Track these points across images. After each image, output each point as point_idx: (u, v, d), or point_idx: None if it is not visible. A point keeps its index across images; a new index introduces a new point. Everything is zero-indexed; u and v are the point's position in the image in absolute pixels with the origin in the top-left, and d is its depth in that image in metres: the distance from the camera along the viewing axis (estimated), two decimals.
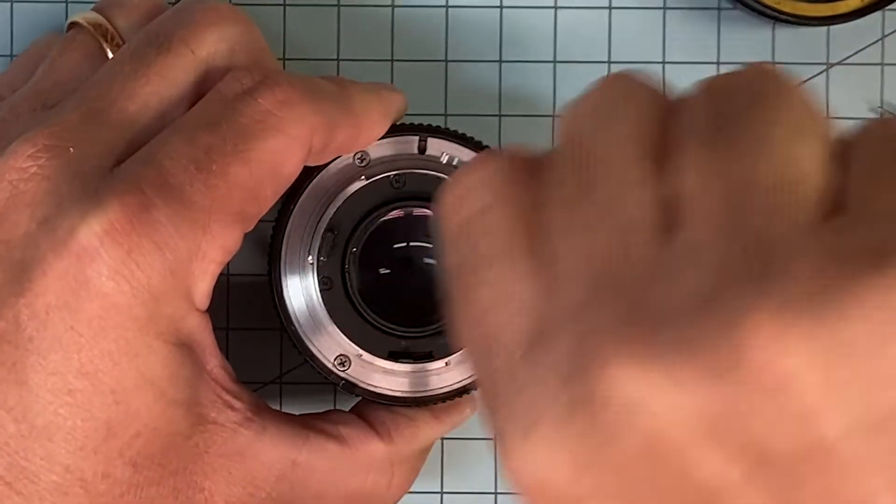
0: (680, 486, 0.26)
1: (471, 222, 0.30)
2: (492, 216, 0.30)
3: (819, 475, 0.26)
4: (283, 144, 0.40)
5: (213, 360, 0.41)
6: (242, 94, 0.40)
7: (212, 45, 0.41)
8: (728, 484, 0.26)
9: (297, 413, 0.44)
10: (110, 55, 0.43)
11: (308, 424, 0.43)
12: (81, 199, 0.38)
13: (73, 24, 0.44)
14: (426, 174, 0.44)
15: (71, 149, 0.39)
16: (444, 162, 0.44)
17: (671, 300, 0.26)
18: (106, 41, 0.43)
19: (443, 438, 0.49)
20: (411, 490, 0.49)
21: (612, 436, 0.26)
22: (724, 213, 0.27)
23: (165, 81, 0.41)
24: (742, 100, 0.29)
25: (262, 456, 0.41)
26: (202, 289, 0.40)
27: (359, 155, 0.44)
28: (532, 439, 0.27)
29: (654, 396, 0.26)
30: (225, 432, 0.41)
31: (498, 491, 0.50)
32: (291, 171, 0.40)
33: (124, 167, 0.39)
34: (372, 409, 0.45)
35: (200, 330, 0.40)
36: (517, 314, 0.29)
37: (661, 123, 0.29)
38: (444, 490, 0.50)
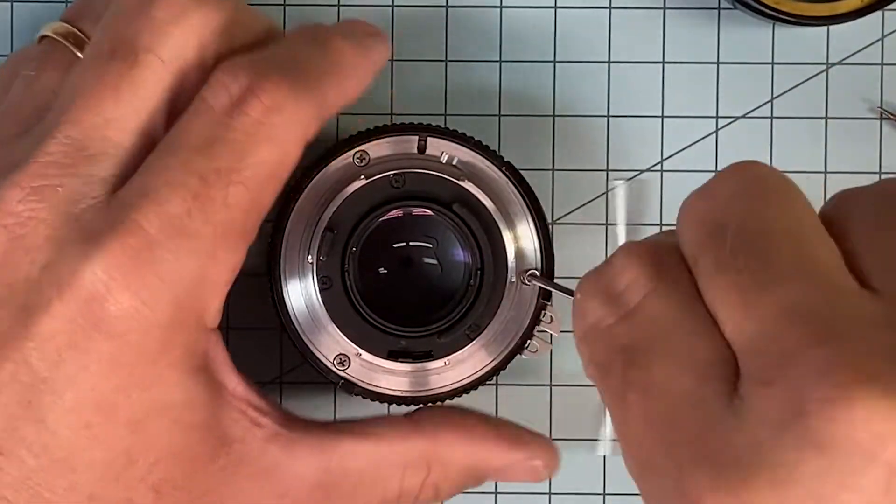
0: None
1: (639, 309, 0.31)
2: (658, 299, 0.30)
3: None
4: (277, 153, 0.39)
5: (233, 378, 0.41)
6: (231, 106, 0.39)
7: (179, 46, 0.40)
8: None
9: (297, 413, 0.44)
10: None
11: (340, 428, 0.42)
12: (81, 241, 0.38)
13: (45, 37, 0.43)
14: (425, 174, 0.44)
15: (59, 188, 0.38)
16: (444, 161, 0.44)
17: (878, 341, 0.27)
18: (79, 49, 0.42)
19: None
20: None
21: (847, 476, 0.26)
22: None
23: (138, 97, 0.39)
24: None
25: (294, 469, 0.41)
26: (213, 309, 0.40)
27: (358, 154, 0.44)
28: (752, 492, 0.27)
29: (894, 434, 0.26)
30: (253, 451, 0.40)
31: (498, 491, 0.50)
32: (289, 170, 0.40)
33: (121, 199, 0.38)
34: (427, 410, 0.44)
35: (213, 348, 0.40)
36: (708, 377, 0.29)
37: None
38: None
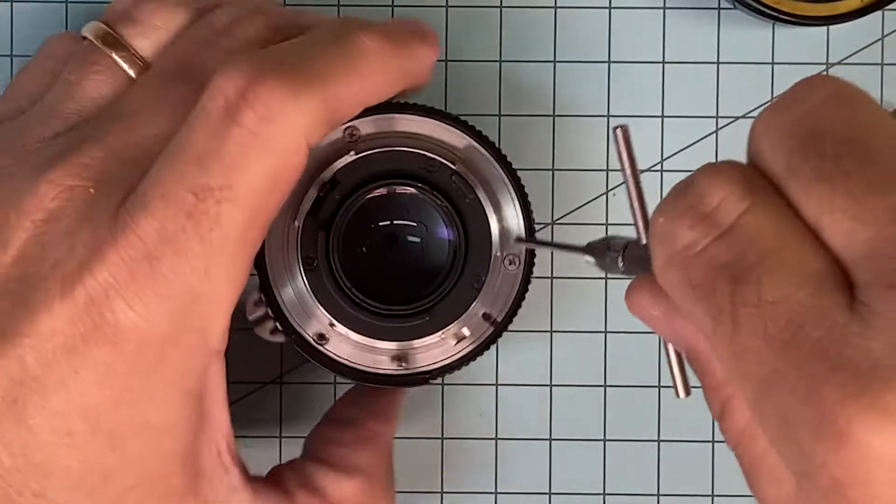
0: None
1: (738, 225, 0.30)
2: (756, 214, 0.30)
3: None
4: (272, 165, 0.38)
5: (222, 414, 0.40)
6: (225, 114, 0.38)
7: (253, 85, 0.38)
8: None
9: (297, 414, 0.44)
10: (131, 74, 0.42)
11: (287, 488, 0.42)
12: (88, 245, 0.38)
13: (85, 39, 0.43)
14: (415, 152, 0.44)
15: (91, 190, 0.39)
16: (435, 138, 0.45)
17: None
18: (114, 49, 0.42)
19: (442, 438, 0.49)
20: (411, 490, 0.49)
21: None
22: None
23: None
24: None
25: None
26: (217, 328, 0.39)
27: (348, 130, 0.44)
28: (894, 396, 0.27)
29: None
30: (219, 496, 0.40)
31: (498, 491, 0.50)
32: (292, 177, 0.39)
33: (126, 208, 0.38)
34: (328, 449, 0.44)
35: (213, 377, 0.40)
36: (825, 287, 0.28)
37: None
38: (445, 490, 0.50)
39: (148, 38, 0.42)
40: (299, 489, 0.42)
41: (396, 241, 0.45)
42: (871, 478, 0.27)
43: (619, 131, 0.34)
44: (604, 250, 0.35)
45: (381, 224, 0.45)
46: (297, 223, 0.44)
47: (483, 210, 0.44)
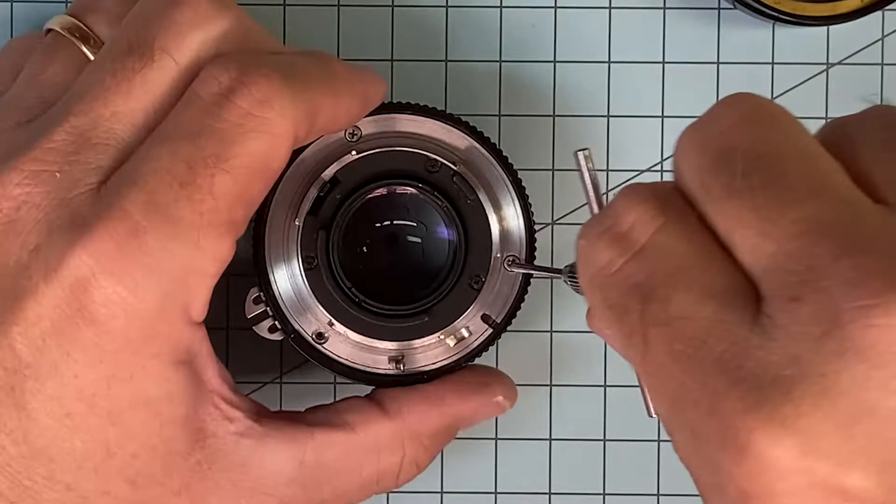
0: None
1: (651, 245, 0.30)
2: (668, 233, 0.30)
3: None
4: (265, 145, 0.39)
5: (210, 371, 0.41)
6: (219, 96, 0.39)
7: (194, 50, 0.40)
8: None
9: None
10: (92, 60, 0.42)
11: (311, 420, 0.42)
12: (70, 226, 0.38)
13: (51, 30, 0.43)
14: (416, 153, 0.44)
15: (57, 174, 0.39)
16: (436, 139, 0.44)
17: None
18: (87, 46, 0.42)
19: None
20: (411, 490, 0.49)
21: (891, 379, 0.26)
22: None
23: (149, 95, 0.40)
24: None
25: (267, 464, 0.41)
26: (199, 302, 0.39)
27: (350, 129, 0.44)
28: (795, 407, 0.27)
29: None
30: (226, 445, 0.40)
31: (498, 491, 0.50)
32: (278, 166, 0.40)
33: (110, 186, 0.39)
34: (388, 389, 0.44)
35: (198, 342, 0.40)
36: (729, 303, 0.29)
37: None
38: (444, 490, 0.50)
39: (111, 26, 0.42)
40: (323, 424, 0.42)
41: (397, 241, 0.45)
42: (774, 488, 0.28)
43: (581, 154, 0.35)
44: (572, 272, 0.36)
45: (381, 224, 0.45)
46: (297, 222, 0.44)
47: (483, 211, 0.44)
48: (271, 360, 0.49)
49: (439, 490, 0.50)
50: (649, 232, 0.31)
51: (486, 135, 0.45)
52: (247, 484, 0.41)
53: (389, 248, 0.45)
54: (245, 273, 0.45)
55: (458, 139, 0.45)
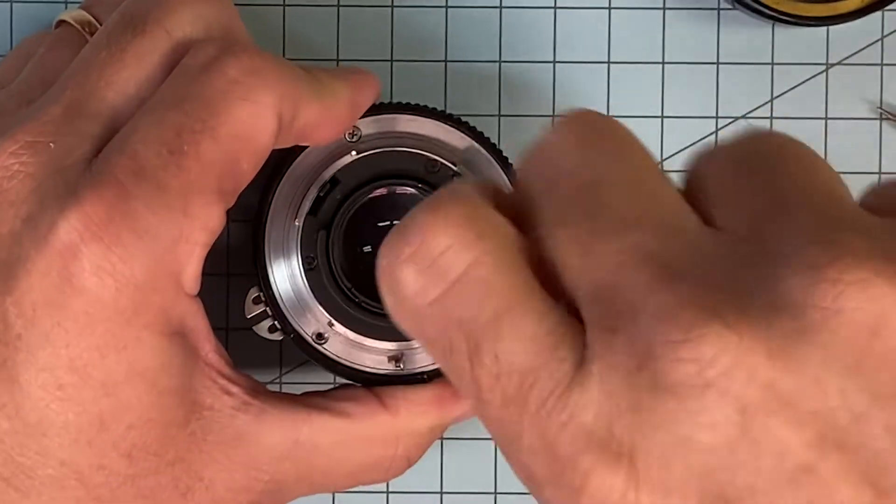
0: (769, 464, 0.26)
1: (463, 280, 0.28)
2: (484, 266, 0.28)
3: None
4: (251, 113, 0.39)
5: (207, 346, 0.41)
6: (207, 64, 0.40)
7: (187, 24, 0.41)
8: (821, 454, 0.26)
9: None
10: None
11: (310, 403, 0.42)
12: (61, 194, 0.38)
13: (61, 23, 0.44)
14: (416, 153, 0.44)
15: (51, 144, 0.39)
16: (436, 139, 0.44)
17: (739, 278, 0.26)
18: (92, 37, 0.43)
19: (442, 438, 0.49)
20: (411, 490, 0.49)
21: (700, 414, 0.26)
22: (771, 204, 0.28)
23: (141, 64, 0.40)
24: (759, 142, 0.30)
25: (262, 439, 0.41)
26: (190, 272, 0.39)
27: (350, 129, 0.44)
28: (616, 446, 0.27)
29: (739, 367, 0.26)
30: (222, 418, 0.40)
31: (498, 491, 0.50)
32: (265, 141, 0.40)
33: (101, 157, 0.39)
34: (386, 387, 0.44)
35: (192, 315, 0.40)
36: (552, 346, 0.28)
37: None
38: (444, 490, 0.50)
39: None
40: (321, 408, 0.42)
41: None
42: None
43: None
44: None
45: (381, 224, 0.45)
46: (297, 222, 0.44)
47: None
48: (271, 360, 0.49)
49: (439, 490, 0.50)
50: (465, 262, 0.28)
51: (486, 135, 0.45)
52: (241, 458, 0.41)
53: None
54: (245, 273, 0.45)
55: (457, 139, 0.45)
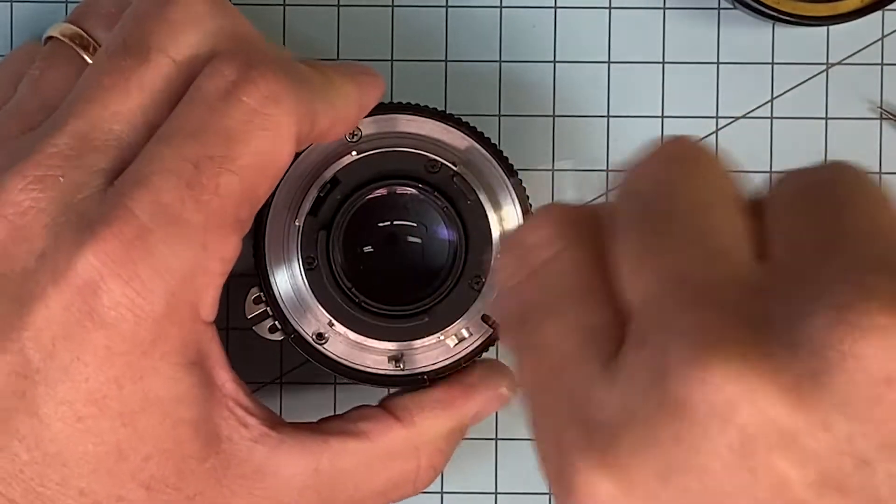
0: (765, 498, 0.26)
1: (544, 268, 0.30)
2: (561, 260, 0.30)
3: None
4: (271, 143, 0.39)
5: (224, 375, 0.40)
6: (225, 92, 0.39)
7: (191, 47, 0.40)
8: (819, 496, 0.26)
9: (297, 414, 0.44)
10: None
11: (326, 429, 0.42)
12: (76, 229, 0.38)
13: (51, 38, 0.43)
14: (416, 153, 0.44)
15: (61, 178, 0.39)
16: (436, 139, 0.45)
17: (769, 312, 0.27)
18: (87, 53, 0.42)
19: None
20: None
21: (701, 438, 0.26)
22: (822, 241, 0.28)
23: (147, 94, 0.40)
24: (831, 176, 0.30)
25: (283, 470, 0.41)
26: (208, 301, 0.39)
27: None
28: (616, 453, 0.27)
29: (747, 398, 0.26)
30: (240, 451, 0.40)
31: (498, 491, 0.50)
32: (283, 165, 0.40)
33: (115, 188, 0.38)
34: (397, 396, 0.44)
35: (208, 343, 0.40)
36: (590, 340, 0.29)
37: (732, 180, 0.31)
38: (444, 490, 0.50)
39: (110, 30, 0.42)
40: (338, 433, 0.42)
41: (397, 241, 0.45)
42: None
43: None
44: None
45: (381, 224, 0.45)
46: (297, 223, 0.44)
47: (483, 211, 0.44)
48: (271, 360, 0.49)
49: (439, 490, 0.50)
50: (546, 254, 0.31)
51: (486, 135, 0.45)
52: (262, 492, 0.41)
53: (390, 249, 0.45)
54: (245, 273, 0.45)
55: (458, 139, 0.45)
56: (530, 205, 0.45)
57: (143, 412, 0.39)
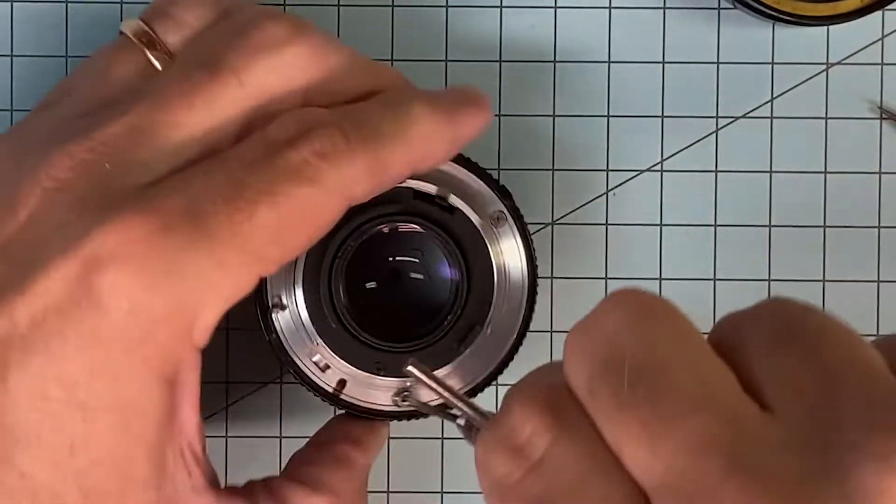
0: None
1: (542, 461, 0.30)
2: (561, 448, 0.30)
3: None
4: (316, 195, 0.39)
5: (189, 410, 0.40)
6: (284, 141, 0.39)
7: (262, 73, 0.40)
8: None
9: (297, 413, 0.44)
10: (158, 66, 0.42)
11: (255, 499, 0.42)
12: (103, 209, 0.38)
13: (121, 34, 0.43)
14: (421, 190, 0.44)
15: (106, 165, 0.39)
16: (440, 174, 0.44)
17: (810, 469, 0.27)
18: (153, 52, 0.42)
19: (442, 438, 0.49)
20: (412, 490, 0.49)
21: None
22: (822, 385, 0.28)
23: (210, 111, 0.40)
24: (795, 316, 0.30)
25: None
26: (204, 324, 0.39)
27: None
28: None
29: None
30: (180, 496, 0.40)
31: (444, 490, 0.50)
32: (326, 221, 0.40)
33: (157, 188, 0.39)
34: (302, 468, 0.44)
35: (188, 369, 0.39)
36: None
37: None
38: (444, 490, 0.50)
39: (178, 34, 0.43)
40: (266, 501, 0.42)
41: (400, 277, 0.45)
42: None
43: (411, 367, 0.35)
44: (467, 430, 0.35)
45: (384, 260, 0.45)
46: (301, 256, 0.44)
47: (486, 250, 0.44)
48: (271, 360, 0.49)
49: (439, 490, 0.50)
50: (545, 444, 0.30)
51: (488, 171, 0.45)
52: None
53: (392, 285, 0.45)
54: None
55: (462, 174, 0.45)
56: (532, 246, 0.45)
57: (107, 414, 0.38)
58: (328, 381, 0.44)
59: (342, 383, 0.44)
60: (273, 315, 0.44)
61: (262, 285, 0.44)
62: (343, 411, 0.45)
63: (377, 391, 0.44)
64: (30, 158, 0.40)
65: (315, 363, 0.44)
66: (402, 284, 0.45)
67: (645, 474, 0.28)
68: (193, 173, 0.39)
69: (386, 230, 0.44)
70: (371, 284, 0.45)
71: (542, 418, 0.30)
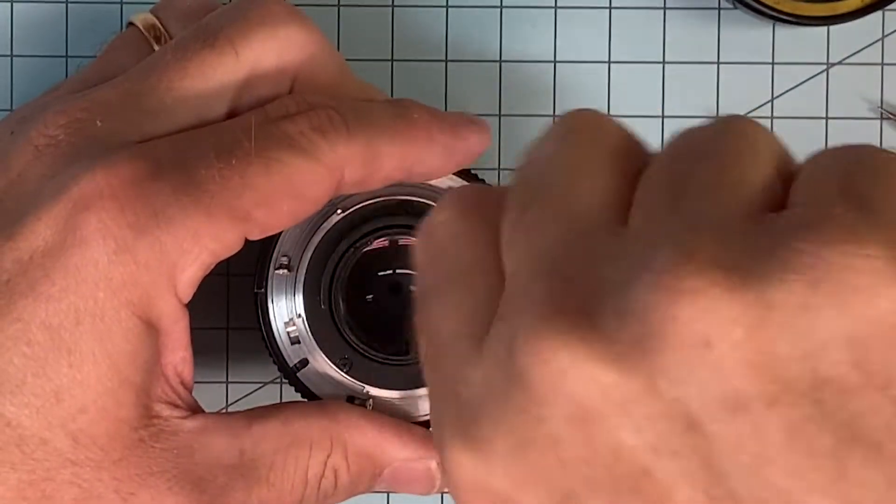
0: (609, 464, 0.26)
1: (441, 250, 0.30)
2: (458, 242, 0.30)
3: (751, 440, 0.25)
4: (308, 166, 0.39)
5: (173, 355, 0.40)
6: (282, 116, 0.40)
7: (258, 46, 0.41)
8: (657, 459, 0.26)
9: None
10: None
11: (250, 414, 0.42)
12: (94, 156, 0.38)
13: (130, 24, 0.44)
14: (405, 200, 0.44)
15: (98, 122, 0.39)
16: (439, 187, 0.44)
17: (608, 279, 0.27)
18: (157, 42, 0.43)
19: None
20: None
21: (542, 410, 0.26)
22: (668, 202, 0.28)
23: (204, 78, 0.40)
24: (709, 134, 0.30)
25: (209, 452, 0.41)
26: (187, 276, 0.39)
27: None
28: (477, 430, 0.27)
29: (576, 368, 0.26)
30: (170, 426, 0.40)
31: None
32: (315, 196, 0.40)
33: (148, 143, 0.39)
34: (336, 400, 0.44)
35: (173, 318, 0.39)
36: (468, 319, 0.29)
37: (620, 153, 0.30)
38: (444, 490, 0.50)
39: (184, 24, 0.43)
40: (259, 418, 0.42)
41: (399, 290, 0.45)
42: (467, 501, 0.28)
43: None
44: None
45: (383, 274, 0.45)
46: (302, 269, 0.44)
47: None
48: (271, 361, 0.49)
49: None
50: (447, 234, 0.31)
51: (486, 182, 0.45)
52: (186, 472, 0.40)
53: (391, 298, 0.45)
54: (245, 273, 0.45)
55: (458, 184, 0.45)
56: None
57: (91, 358, 0.38)
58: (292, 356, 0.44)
59: (303, 362, 0.44)
60: (275, 331, 0.44)
61: (263, 302, 0.44)
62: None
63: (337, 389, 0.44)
64: (25, 125, 0.40)
65: (321, 373, 0.44)
66: (402, 297, 0.45)
67: (505, 273, 0.29)
68: (188, 135, 0.39)
69: (386, 243, 0.44)
70: (371, 298, 0.45)
71: (457, 211, 0.31)
